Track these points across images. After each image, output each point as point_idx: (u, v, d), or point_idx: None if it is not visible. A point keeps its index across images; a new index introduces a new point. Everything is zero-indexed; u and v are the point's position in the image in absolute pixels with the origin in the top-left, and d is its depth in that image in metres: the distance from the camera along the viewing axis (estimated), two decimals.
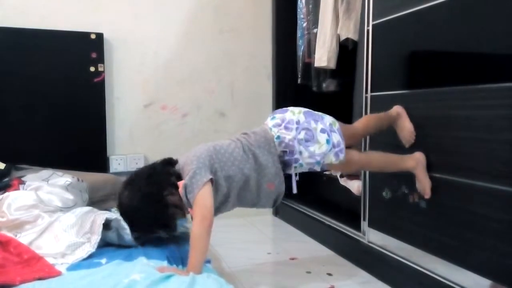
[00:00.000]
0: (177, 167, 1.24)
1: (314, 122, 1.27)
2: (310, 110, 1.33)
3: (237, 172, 1.22)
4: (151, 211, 1.22)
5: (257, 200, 1.28)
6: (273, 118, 1.30)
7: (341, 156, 1.27)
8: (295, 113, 1.28)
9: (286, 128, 1.25)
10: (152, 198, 1.21)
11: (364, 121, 1.46)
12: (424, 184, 1.28)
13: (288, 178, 1.28)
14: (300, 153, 1.23)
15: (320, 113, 1.33)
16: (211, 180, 1.17)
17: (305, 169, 1.28)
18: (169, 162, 1.26)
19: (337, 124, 1.32)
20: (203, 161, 1.18)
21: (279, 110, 1.35)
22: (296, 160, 1.24)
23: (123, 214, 1.28)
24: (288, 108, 1.33)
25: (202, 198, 1.14)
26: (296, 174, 1.29)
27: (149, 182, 1.23)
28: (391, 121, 1.41)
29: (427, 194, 1.28)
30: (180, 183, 1.18)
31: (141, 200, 1.22)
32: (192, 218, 1.24)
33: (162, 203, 1.21)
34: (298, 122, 1.25)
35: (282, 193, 1.28)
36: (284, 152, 1.25)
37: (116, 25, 2.22)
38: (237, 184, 1.23)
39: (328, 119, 1.32)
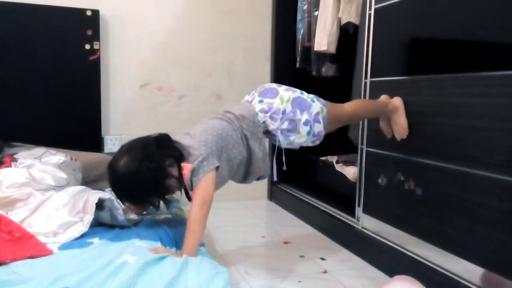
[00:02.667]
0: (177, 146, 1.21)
1: (300, 112, 1.27)
2: (300, 95, 1.30)
3: (237, 155, 1.25)
4: (150, 178, 1.16)
5: (243, 179, 1.35)
6: (261, 101, 1.29)
7: (318, 142, 1.34)
8: (283, 101, 1.26)
9: (271, 117, 1.26)
10: (153, 165, 1.16)
11: (356, 104, 1.45)
12: (403, 124, 1.36)
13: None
14: (280, 140, 1.28)
15: (309, 100, 1.31)
16: (217, 168, 1.18)
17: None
18: (168, 138, 1.23)
19: (324, 111, 1.30)
20: (211, 147, 1.19)
21: (269, 91, 1.31)
22: (275, 141, 1.31)
23: (117, 184, 1.19)
24: (279, 90, 1.30)
25: (205, 184, 1.16)
26: (283, 162, 1.32)
27: (151, 150, 1.18)
28: (387, 112, 1.40)
29: (406, 131, 1.36)
30: (187, 166, 1.16)
31: (141, 167, 1.15)
32: (188, 199, 1.24)
33: (162, 172, 1.17)
34: (284, 112, 1.26)
35: (267, 174, 1.36)
36: (266, 131, 1.31)
37: (113, 2, 2.17)
38: (235, 165, 1.26)
39: (316, 107, 1.30)
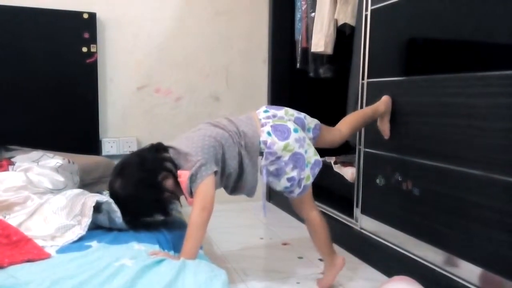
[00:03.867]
0: (172, 153, 1.22)
1: (292, 168, 1.24)
2: (303, 154, 1.25)
3: (230, 167, 1.24)
4: (146, 197, 1.21)
5: (231, 192, 1.33)
6: (269, 134, 1.24)
7: (284, 195, 1.31)
8: (284, 149, 1.23)
9: (265, 154, 1.24)
10: (146, 183, 1.20)
11: (351, 122, 1.44)
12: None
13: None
14: (262, 174, 1.26)
15: (306, 162, 1.26)
16: (215, 172, 1.18)
17: None
18: (159, 148, 1.25)
19: (310, 180, 1.28)
20: (208, 152, 1.18)
21: (282, 129, 1.25)
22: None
23: (119, 205, 1.25)
24: (290, 136, 1.24)
25: (204, 189, 1.15)
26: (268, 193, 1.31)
27: (142, 168, 1.21)
28: (378, 116, 1.45)
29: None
30: (185, 173, 1.16)
31: (135, 187, 1.21)
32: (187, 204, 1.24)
33: (157, 188, 1.21)
34: (278, 158, 1.23)
35: (250, 195, 1.33)
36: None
37: (109, 4, 2.17)
38: (225, 176, 1.26)
39: (306, 172, 1.26)
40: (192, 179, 1.16)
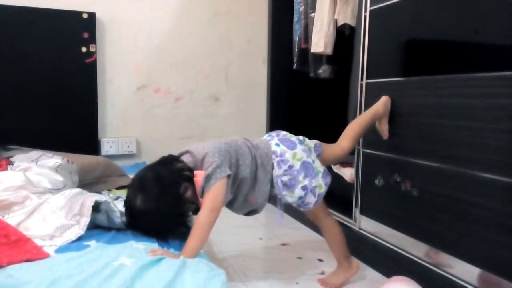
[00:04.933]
0: (186, 157, 1.22)
1: (303, 177, 1.25)
2: (311, 163, 1.28)
3: (244, 170, 1.24)
4: (170, 211, 1.19)
5: (239, 205, 1.30)
6: (277, 145, 1.28)
7: (301, 209, 1.31)
8: (294, 158, 1.25)
9: (278, 163, 1.25)
10: (169, 199, 1.18)
11: (351, 134, 1.42)
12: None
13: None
14: (275, 188, 1.26)
15: (316, 171, 1.28)
16: (229, 176, 1.18)
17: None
18: (171, 160, 1.23)
19: (322, 189, 1.28)
20: (224, 154, 1.19)
21: (289, 141, 1.29)
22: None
23: (139, 223, 1.22)
24: (297, 146, 1.28)
25: (216, 191, 1.16)
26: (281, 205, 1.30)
27: (162, 184, 1.18)
28: (377, 119, 1.44)
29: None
30: (201, 173, 1.16)
31: (160, 203, 1.17)
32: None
33: (179, 200, 1.19)
34: (290, 167, 1.25)
35: (259, 210, 1.33)
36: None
37: (109, 4, 2.17)
38: (240, 179, 1.24)
39: (318, 181, 1.27)
40: (207, 179, 1.16)
